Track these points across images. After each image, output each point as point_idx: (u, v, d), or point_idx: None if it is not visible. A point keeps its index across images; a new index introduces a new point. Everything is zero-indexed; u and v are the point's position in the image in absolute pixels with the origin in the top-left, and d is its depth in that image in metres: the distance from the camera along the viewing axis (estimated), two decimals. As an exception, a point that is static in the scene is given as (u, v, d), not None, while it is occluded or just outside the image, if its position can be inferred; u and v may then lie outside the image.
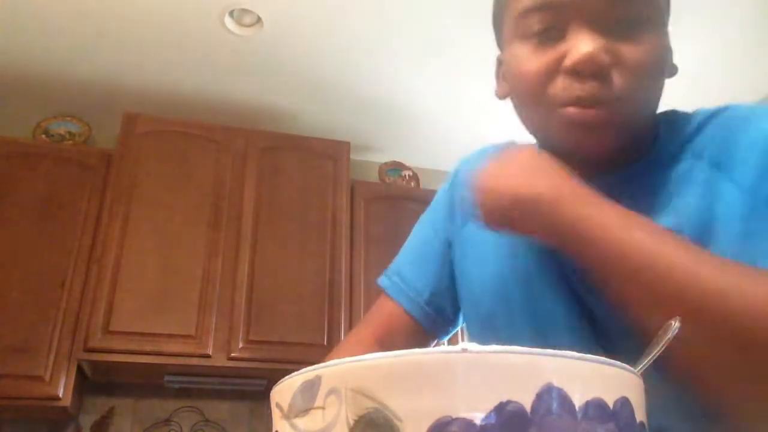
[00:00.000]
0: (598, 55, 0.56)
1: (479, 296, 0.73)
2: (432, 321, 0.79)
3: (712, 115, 0.64)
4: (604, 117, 0.58)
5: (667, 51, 0.63)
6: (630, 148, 0.63)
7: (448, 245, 0.80)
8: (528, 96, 0.63)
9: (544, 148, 0.66)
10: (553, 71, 0.60)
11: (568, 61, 0.58)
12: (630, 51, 0.58)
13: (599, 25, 0.58)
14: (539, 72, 0.60)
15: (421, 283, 0.79)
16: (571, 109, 0.58)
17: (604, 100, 0.57)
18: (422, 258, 0.82)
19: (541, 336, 0.66)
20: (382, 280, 0.84)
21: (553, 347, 0.29)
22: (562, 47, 0.59)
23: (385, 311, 0.81)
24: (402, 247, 0.88)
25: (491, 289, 0.71)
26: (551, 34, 0.60)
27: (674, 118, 0.67)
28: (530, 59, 0.61)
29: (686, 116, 0.67)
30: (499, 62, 0.73)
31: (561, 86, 0.59)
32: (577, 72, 0.58)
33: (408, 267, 0.82)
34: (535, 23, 0.61)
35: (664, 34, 0.62)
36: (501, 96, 0.72)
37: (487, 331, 0.72)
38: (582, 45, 0.57)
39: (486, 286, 0.72)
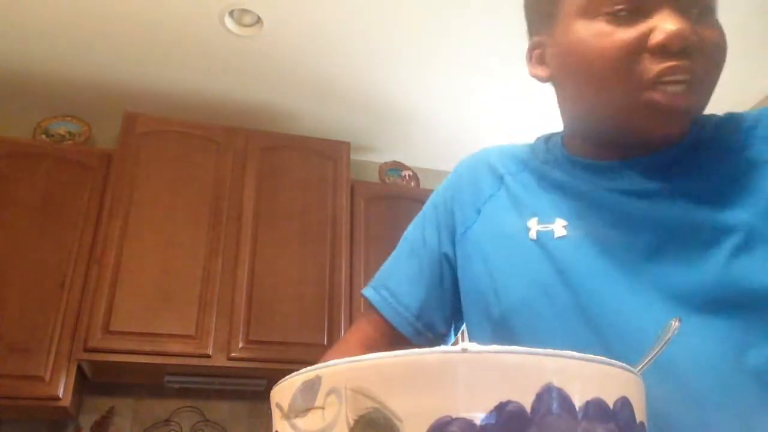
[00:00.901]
0: (688, 33, 0.57)
1: (489, 297, 0.69)
2: (422, 336, 0.75)
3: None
4: (690, 100, 0.58)
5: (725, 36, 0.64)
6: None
7: (442, 255, 0.77)
8: (601, 77, 0.60)
9: (596, 133, 0.66)
10: (638, 48, 0.58)
11: (658, 36, 0.57)
12: (709, 34, 0.59)
13: (681, 10, 0.59)
14: (623, 47, 0.59)
15: (410, 297, 0.76)
16: (658, 95, 0.58)
17: (692, 78, 0.58)
18: (411, 270, 0.78)
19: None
20: (369, 293, 0.80)
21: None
22: (644, 26, 0.59)
23: (371, 325, 0.78)
24: (389, 258, 0.83)
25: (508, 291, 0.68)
26: (632, 14, 0.59)
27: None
28: (606, 38, 0.59)
29: (712, 115, 0.68)
30: (537, 44, 0.70)
31: (648, 65, 0.58)
32: (666, 50, 0.57)
33: (396, 280, 0.78)
34: (611, 2, 0.60)
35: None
36: (542, 77, 0.70)
37: (503, 332, 0.68)
38: (672, 23, 0.57)
39: (501, 289, 0.68)
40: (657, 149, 0.64)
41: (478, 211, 0.75)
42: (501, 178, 0.74)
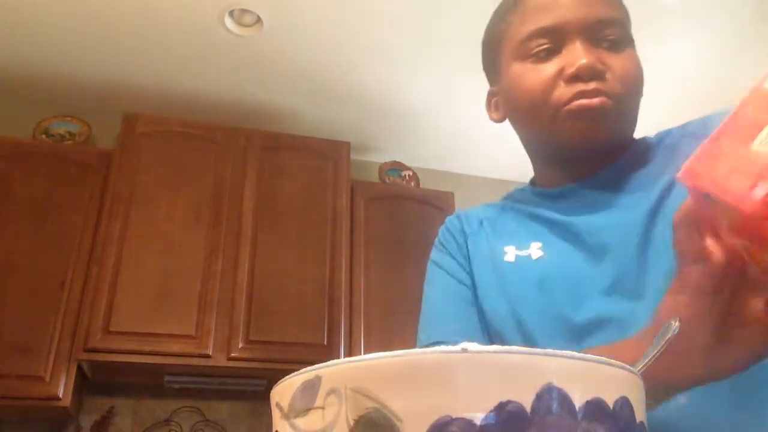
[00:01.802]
0: (595, 63, 0.69)
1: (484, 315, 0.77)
2: None
3: (682, 127, 0.75)
4: (607, 104, 0.68)
5: (642, 68, 0.74)
6: (616, 148, 0.73)
7: (470, 284, 0.81)
8: (532, 105, 0.72)
9: (545, 158, 0.78)
10: (555, 81, 0.70)
11: (570, 70, 0.69)
12: (617, 61, 0.70)
13: (590, 41, 0.70)
14: (543, 82, 0.71)
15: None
16: (576, 103, 0.68)
17: (603, 92, 0.68)
18: (461, 317, 0.78)
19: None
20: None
21: None
22: (559, 61, 0.71)
23: None
24: (429, 314, 0.82)
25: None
26: (549, 52, 0.72)
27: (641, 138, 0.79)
28: (532, 74, 0.72)
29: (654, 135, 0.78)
30: (491, 95, 0.85)
31: (564, 90, 0.70)
32: (579, 78, 0.69)
33: (452, 330, 0.77)
34: (535, 45, 0.72)
35: (636, 54, 0.74)
36: (498, 120, 0.83)
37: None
38: (579, 56, 0.69)
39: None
40: (598, 169, 0.74)
41: (467, 253, 0.84)
42: (480, 222, 0.85)
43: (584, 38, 0.70)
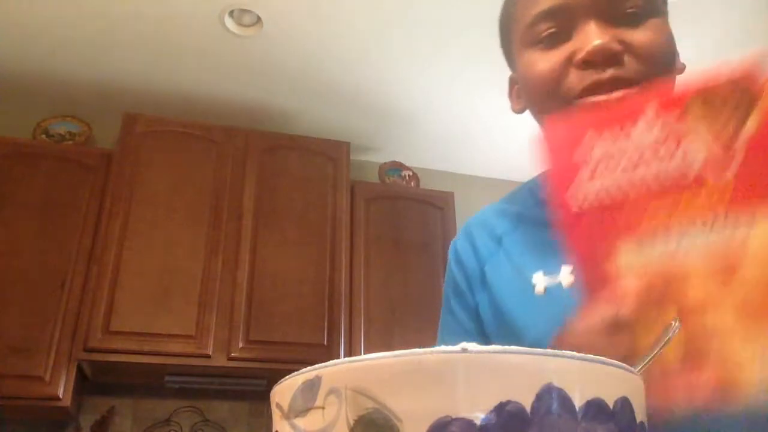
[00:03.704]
0: (608, 44, 0.59)
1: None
2: None
3: None
4: (628, 97, 0.58)
5: (672, 39, 0.64)
6: None
7: (477, 330, 0.73)
8: (543, 96, 0.64)
9: None
10: (565, 68, 0.62)
11: (579, 55, 0.60)
12: (639, 37, 0.60)
13: (605, 19, 0.60)
14: (552, 70, 0.62)
15: None
16: (590, 100, 0.60)
17: (623, 79, 0.59)
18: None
19: None
20: None
21: None
22: (571, 45, 0.62)
23: None
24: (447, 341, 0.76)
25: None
26: (560, 36, 0.63)
27: None
28: (541, 61, 0.63)
29: None
30: (512, 82, 0.75)
31: (576, 77, 0.61)
32: (591, 63, 0.59)
33: None
34: (543, 29, 0.63)
35: (667, 24, 0.64)
36: (517, 111, 0.74)
37: None
38: (591, 37, 0.59)
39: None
40: None
41: (483, 276, 0.72)
42: (499, 241, 0.73)
43: (598, 16, 0.60)
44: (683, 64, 0.67)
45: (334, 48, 2.52)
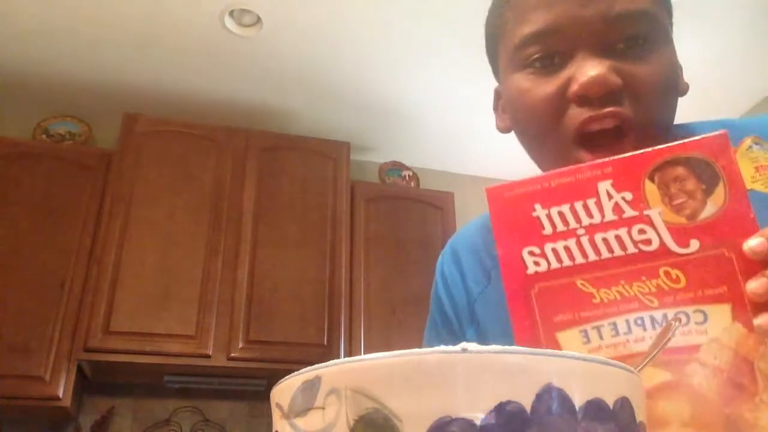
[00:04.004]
0: (607, 77, 0.52)
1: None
2: None
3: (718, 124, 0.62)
4: (625, 127, 0.54)
5: (677, 68, 0.59)
6: None
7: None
8: (537, 130, 0.59)
9: None
10: (560, 101, 0.56)
11: (574, 87, 0.54)
12: (640, 70, 0.54)
13: (603, 47, 0.54)
14: (547, 102, 0.56)
15: None
16: (586, 130, 0.54)
17: (622, 115, 0.53)
18: None
19: None
20: None
21: None
22: (564, 74, 0.56)
23: None
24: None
25: None
26: (553, 61, 0.57)
27: (687, 129, 0.63)
28: (534, 91, 0.57)
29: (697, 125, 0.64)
30: (497, 94, 0.70)
31: (572, 115, 0.55)
32: (587, 98, 0.54)
33: None
34: (534, 52, 0.57)
35: (672, 51, 0.58)
36: (503, 130, 0.68)
37: None
38: (588, 68, 0.53)
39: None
40: None
41: (472, 312, 0.69)
42: (488, 275, 0.68)
43: (594, 43, 0.54)
44: (687, 84, 0.64)
45: (334, 48, 2.52)
